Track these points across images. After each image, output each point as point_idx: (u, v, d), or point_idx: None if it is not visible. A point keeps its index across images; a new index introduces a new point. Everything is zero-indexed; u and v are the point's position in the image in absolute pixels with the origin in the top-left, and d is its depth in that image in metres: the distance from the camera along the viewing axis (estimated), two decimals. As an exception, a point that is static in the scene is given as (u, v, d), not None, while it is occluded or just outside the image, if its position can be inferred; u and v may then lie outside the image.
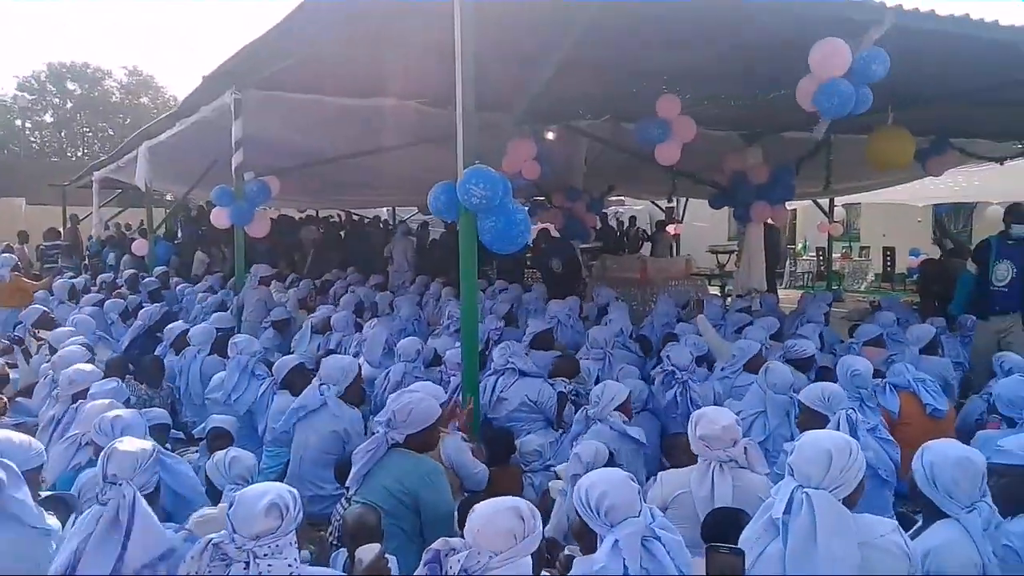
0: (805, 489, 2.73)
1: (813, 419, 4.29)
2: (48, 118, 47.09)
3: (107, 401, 4.30)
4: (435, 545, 2.63)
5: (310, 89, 8.04)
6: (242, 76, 7.71)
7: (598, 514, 2.76)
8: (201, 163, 11.36)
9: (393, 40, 6.38)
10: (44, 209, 22.44)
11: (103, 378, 5.20)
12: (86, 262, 16.11)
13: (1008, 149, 12.47)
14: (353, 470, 3.69)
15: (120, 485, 2.79)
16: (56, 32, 70.89)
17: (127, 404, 4.90)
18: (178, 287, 11.46)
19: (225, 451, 3.69)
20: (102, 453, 2.91)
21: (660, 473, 3.86)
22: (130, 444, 2.97)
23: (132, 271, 11.38)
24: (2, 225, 21.21)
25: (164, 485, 3.51)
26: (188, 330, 7.28)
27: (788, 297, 16.08)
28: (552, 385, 5.80)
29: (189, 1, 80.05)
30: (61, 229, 18.71)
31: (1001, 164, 12.51)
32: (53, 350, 6.55)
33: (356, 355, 6.76)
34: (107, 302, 9.03)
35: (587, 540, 2.84)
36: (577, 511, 2.85)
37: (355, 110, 8.43)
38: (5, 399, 6.82)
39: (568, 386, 5.87)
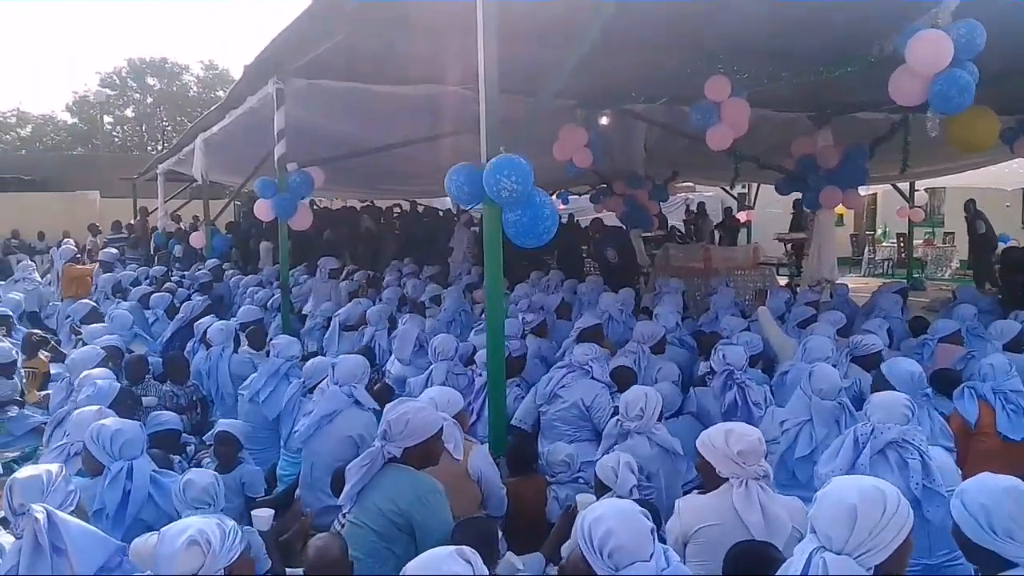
0: (824, 553, 2.20)
1: None
2: (129, 113, 48.27)
3: (95, 408, 4.09)
4: None
5: (355, 77, 7.82)
6: (283, 64, 7.53)
7: (601, 555, 2.39)
8: (254, 153, 11.27)
9: (435, 24, 6.08)
10: (118, 202, 22.91)
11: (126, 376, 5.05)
12: (152, 254, 16.29)
13: (1106, 128, 11.53)
14: (347, 487, 3.37)
15: (29, 511, 2.56)
16: (136, 28, 72.93)
17: (129, 408, 4.72)
18: (231, 279, 11.38)
19: (187, 473, 3.43)
20: (4, 487, 2.68)
21: (679, 501, 3.37)
22: (31, 470, 2.73)
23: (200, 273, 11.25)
24: (77, 218, 21.74)
25: (153, 503, 3.29)
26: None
27: (866, 286, 15.37)
28: (613, 396, 5.30)
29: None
30: (132, 222, 19.04)
31: (1098, 144, 11.53)
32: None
33: (389, 352, 6.52)
34: (153, 296, 8.92)
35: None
36: (579, 545, 2.49)
37: (401, 98, 8.18)
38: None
39: None
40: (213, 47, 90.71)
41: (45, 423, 6.15)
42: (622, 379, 5.45)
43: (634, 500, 3.38)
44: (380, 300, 8.74)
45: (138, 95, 47.66)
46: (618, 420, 4.44)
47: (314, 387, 5.29)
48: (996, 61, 6.89)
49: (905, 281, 11.98)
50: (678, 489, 4.33)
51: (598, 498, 3.58)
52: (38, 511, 2.52)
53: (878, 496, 2.25)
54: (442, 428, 3.52)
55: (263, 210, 8.31)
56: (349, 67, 7.53)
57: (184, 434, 4.95)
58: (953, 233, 19.95)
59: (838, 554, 2.19)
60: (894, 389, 4.42)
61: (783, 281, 13.98)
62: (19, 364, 6.85)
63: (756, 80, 7.22)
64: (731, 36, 6.54)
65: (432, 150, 9.84)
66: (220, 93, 48.40)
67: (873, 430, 3.61)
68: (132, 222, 18.97)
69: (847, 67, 6.43)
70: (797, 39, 6.51)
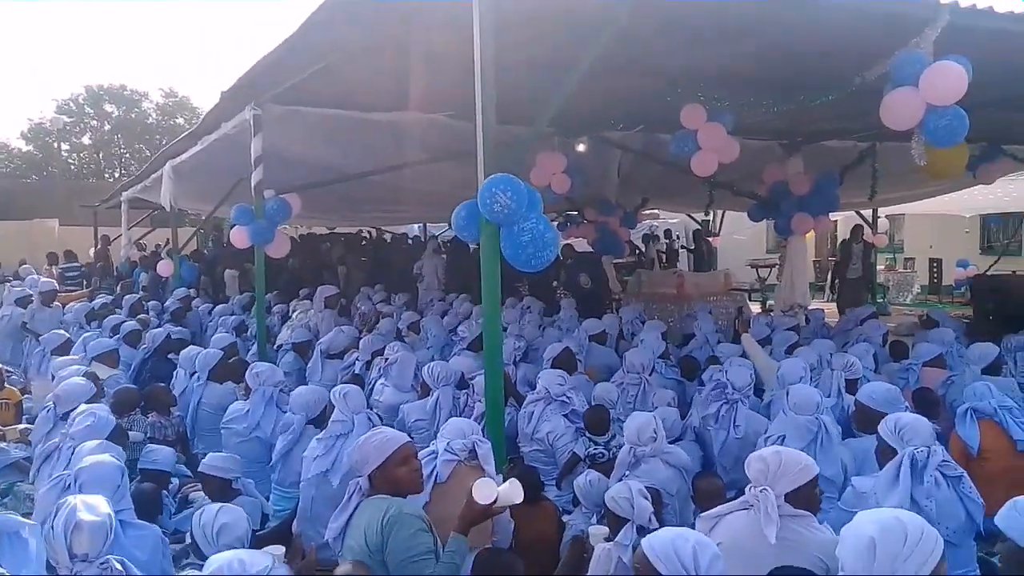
0: None
1: (885, 453, 3.76)
2: (86, 140, 47.59)
3: (95, 443, 3.96)
4: None
5: (331, 103, 7.77)
6: (261, 91, 7.46)
7: None
8: (226, 181, 11.16)
9: (415, 50, 6.06)
10: (78, 230, 22.49)
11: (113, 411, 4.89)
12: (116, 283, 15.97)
13: (1066, 155, 11.86)
14: (331, 524, 3.27)
15: (98, 562, 2.46)
16: (94, 55, 72.11)
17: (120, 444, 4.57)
18: (200, 308, 11.16)
19: (216, 511, 3.29)
20: (64, 524, 2.49)
21: (701, 516, 3.33)
22: (92, 516, 2.55)
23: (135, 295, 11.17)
24: (36, 246, 21.28)
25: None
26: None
27: (831, 311, 15.54)
28: (577, 438, 5.28)
29: (223, 23, 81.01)
30: (93, 250, 18.66)
31: (1059, 171, 11.89)
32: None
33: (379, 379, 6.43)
34: (124, 324, 8.71)
35: None
36: None
37: (377, 124, 8.14)
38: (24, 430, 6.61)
39: (593, 448, 5.17)
40: (173, 74, 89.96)
41: (23, 459, 5.94)
42: (595, 422, 5.30)
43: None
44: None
45: (95, 122, 47.03)
46: (631, 447, 4.36)
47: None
48: (970, 90, 7.07)
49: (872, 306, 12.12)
50: (689, 510, 4.29)
51: (611, 530, 3.53)
52: (116, 563, 2.44)
53: (898, 527, 2.24)
54: (402, 448, 3.33)
55: (239, 237, 8.18)
56: (326, 94, 7.47)
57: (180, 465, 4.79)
58: (913, 259, 20.36)
59: None
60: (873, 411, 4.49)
61: (755, 307, 14.10)
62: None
63: (735, 108, 7.29)
64: (715, 66, 6.61)
65: (410, 177, 9.83)
66: (180, 120, 48.02)
67: (929, 454, 3.60)
68: (93, 250, 18.58)
69: (828, 95, 6.51)
70: (779, 69, 6.60)
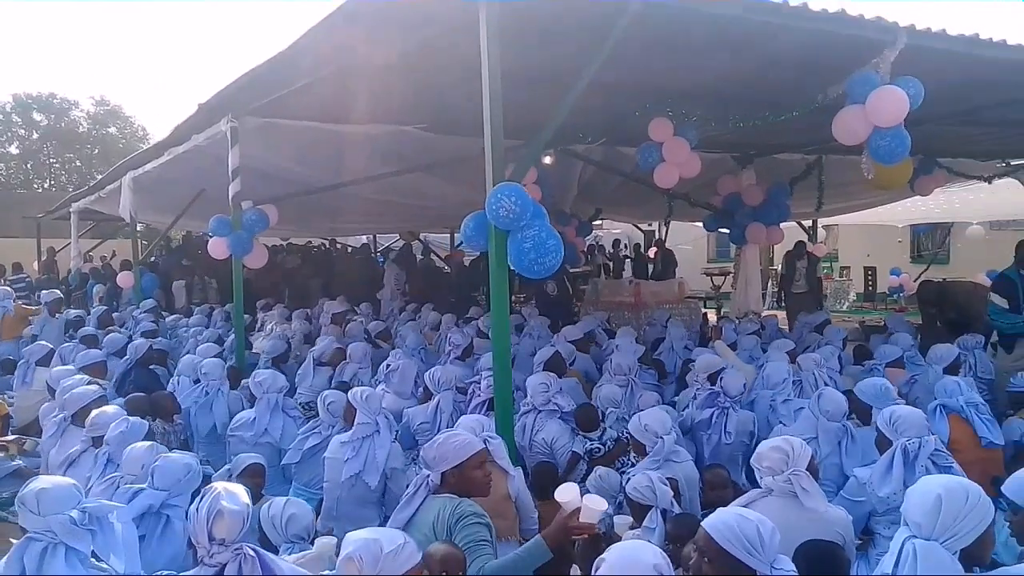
0: (915, 540, 2.56)
1: (883, 444, 4.08)
2: (13, 150, 46.16)
3: (148, 444, 4.12)
4: None
5: (307, 116, 7.88)
6: (240, 104, 7.56)
7: None
8: (187, 193, 11.14)
9: (398, 65, 6.25)
10: (15, 242, 21.92)
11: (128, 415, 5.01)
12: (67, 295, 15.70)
13: (992, 168, 12.62)
14: (396, 515, 3.43)
15: (232, 547, 2.65)
16: (22, 63, 69.90)
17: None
18: (167, 319, 11.15)
19: (283, 504, 3.50)
20: (208, 509, 2.67)
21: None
22: (234, 504, 2.69)
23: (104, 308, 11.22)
24: (-29, 259, 20.68)
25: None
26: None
27: (776, 319, 16.04)
28: (574, 438, 5.54)
29: (156, 31, 79.38)
30: (36, 262, 18.29)
31: (989, 183, 12.62)
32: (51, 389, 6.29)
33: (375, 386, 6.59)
34: (107, 338, 8.73)
35: None
36: None
37: (351, 136, 8.27)
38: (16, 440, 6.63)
39: (588, 444, 5.46)
40: (105, 83, 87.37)
41: (22, 467, 5.96)
42: (585, 420, 5.59)
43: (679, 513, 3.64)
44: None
45: (23, 131, 45.71)
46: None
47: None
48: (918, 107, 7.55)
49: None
50: (697, 498, 4.57)
51: (635, 519, 3.80)
52: (248, 550, 2.64)
53: (960, 489, 2.61)
54: (480, 452, 3.53)
55: (218, 248, 8.24)
56: (303, 106, 7.57)
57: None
58: (849, 267, 21.18)
59: (927, 540, 2.53)
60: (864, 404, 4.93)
61: (710, 314, 14.57)
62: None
63: (703, 123, 7.64)
64: (689, 83, 6.95)
65: (380, 188, 10.00)
66: (112, 129, 47.02)
67: (920, 445, 3.92)
68: (36, 263, 18.22)
69: (793, 112, 6.90)
70: (750, 87, 6.97)
